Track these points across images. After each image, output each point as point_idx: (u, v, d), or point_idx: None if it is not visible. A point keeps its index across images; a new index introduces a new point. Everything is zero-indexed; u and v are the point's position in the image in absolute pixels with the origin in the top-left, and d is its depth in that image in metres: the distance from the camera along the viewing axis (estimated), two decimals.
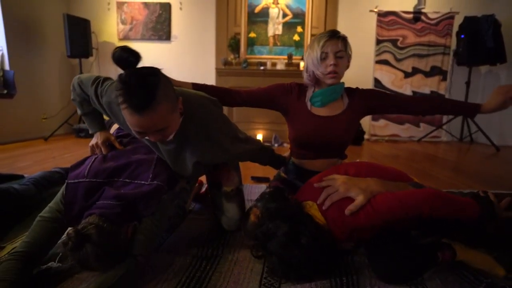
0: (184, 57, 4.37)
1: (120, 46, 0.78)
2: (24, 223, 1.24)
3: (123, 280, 0.81)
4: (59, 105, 4.14)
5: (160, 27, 4.31)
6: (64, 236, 0.89)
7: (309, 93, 1.31)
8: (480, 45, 3.79)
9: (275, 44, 4.25)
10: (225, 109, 3.56)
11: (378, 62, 4.31)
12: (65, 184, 0.96)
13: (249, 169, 2.25)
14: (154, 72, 0.81)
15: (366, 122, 4.30)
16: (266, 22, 4.21)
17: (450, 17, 4.20)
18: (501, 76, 4.13)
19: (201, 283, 0.90)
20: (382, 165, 1.14)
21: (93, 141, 1.11)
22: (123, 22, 4.33)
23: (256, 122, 3.91)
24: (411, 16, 4.22)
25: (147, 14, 4.29)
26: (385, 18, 4.22)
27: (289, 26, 4.21)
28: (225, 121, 1.07)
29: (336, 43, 1.18)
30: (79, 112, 1.15)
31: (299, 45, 4.21)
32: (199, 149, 1.01)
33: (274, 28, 4.22)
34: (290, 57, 4.04)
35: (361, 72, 4.15)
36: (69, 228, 0.82)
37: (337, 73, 1.20)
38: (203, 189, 1.68)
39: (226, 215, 1.21)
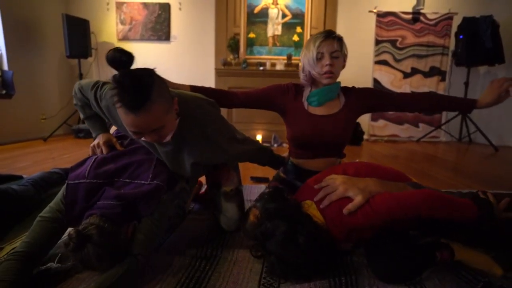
0: (184, 57, 4.37)
1: (113, 48, 0.79)
2: (24, 223, 1.25)
3: (123, 280, 0.81)
4: (58, 105, 4.14)
5: (159, 27, 4.31)
6: (65, 237, 0.89)
7: (306, 93, 1.32)
8: (479, 45, 3.80)
9: (274, 45, 4.26)
10: (225, 110, 3.58)
11: (377, 62, 4.32)
12: (65, 185, 0.97)
13: (249, 169, 2.25)
14: (148, 73, 0.81)
15: (365, 122, 4.31)
16: (265, 23, 4.22)
17: (448, 17, 4.21)
18: (500, 77, 4.09)
19: (200, 283, 0.90)
20: (381, 165, 1.14)
21: (95, 142, 1.13)
22: (123, 23, 4.32)
23: (256, 123, 3.92)
24: (410, 16, 4.23)
25: (147, 14, 4.29)
26: (384, 18, 4.23)
27: (288, 27, 4.21)
28: (223, 122, 1.08)
29: (331, 43, 1.19)
30: (81, 116, 1.18)
31: (298, 45, 4.22)
32: (197, 150, 1.02)
33: (274, 28, 4.23)
34: (289, 57, 4.04)
35: (360, 72, 4.17)
36: (70, 229, 0.82)
37: (333, 73, 1.21)
38: (203, 190, 1.69)
39: (225, 215, 1.21)
